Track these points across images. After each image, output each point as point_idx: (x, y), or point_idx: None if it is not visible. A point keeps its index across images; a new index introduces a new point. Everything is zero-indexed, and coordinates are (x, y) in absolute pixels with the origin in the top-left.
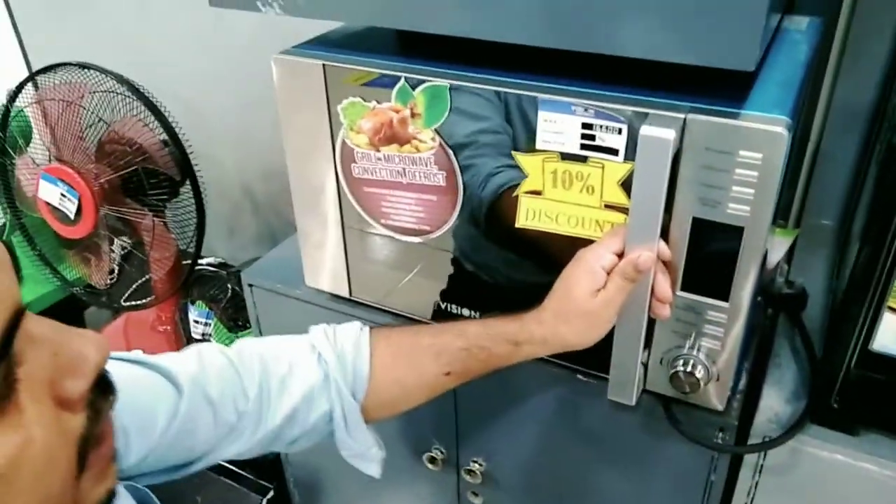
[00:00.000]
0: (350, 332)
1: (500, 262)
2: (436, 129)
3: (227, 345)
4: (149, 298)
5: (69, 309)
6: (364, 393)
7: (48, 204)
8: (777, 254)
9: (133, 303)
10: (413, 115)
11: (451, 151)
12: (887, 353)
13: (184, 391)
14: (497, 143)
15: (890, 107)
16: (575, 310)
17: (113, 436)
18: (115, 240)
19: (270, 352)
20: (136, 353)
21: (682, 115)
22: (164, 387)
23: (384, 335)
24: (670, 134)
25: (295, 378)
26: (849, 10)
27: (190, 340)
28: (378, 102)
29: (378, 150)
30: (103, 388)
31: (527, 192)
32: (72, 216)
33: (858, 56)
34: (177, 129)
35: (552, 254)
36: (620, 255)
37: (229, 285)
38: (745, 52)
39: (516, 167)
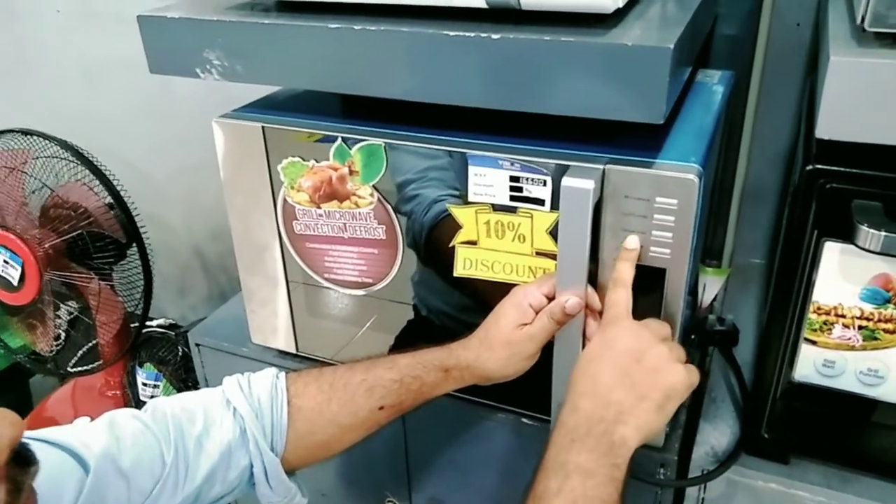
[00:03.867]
0: (265, 382)
1: (446, 306)
2: (374, 185)
3: None
4: (96, 363)
5: (14, 377)
6: (284, 443)
7: None
8: (710, 293)
9: (80, 368)
10: (351, 172)
11: (389, 206)
12: (808, 383)
13: (90, 468)
14: (444, 177)
15: (799, 149)
16: (499, 337)
17: None
18: (61, 305)
19: (185, 410)
20: (43, 432)
21: (600, 167)
22: (70, 466)
23: (314, 377)
24: (589, 184)
25: (211, 437)
26: (762, 63)
27: (139, 404)
28: (317, 161)
29: (319, 207)
30: (22, 461)
31: (462, 243)
32: (15, 283)
33: (773, 104)
34: (122, 192)
35: (495, 297)
36: (552, 298)
37: (179, 346)
38: (654, 107)
39: (459, 197)
